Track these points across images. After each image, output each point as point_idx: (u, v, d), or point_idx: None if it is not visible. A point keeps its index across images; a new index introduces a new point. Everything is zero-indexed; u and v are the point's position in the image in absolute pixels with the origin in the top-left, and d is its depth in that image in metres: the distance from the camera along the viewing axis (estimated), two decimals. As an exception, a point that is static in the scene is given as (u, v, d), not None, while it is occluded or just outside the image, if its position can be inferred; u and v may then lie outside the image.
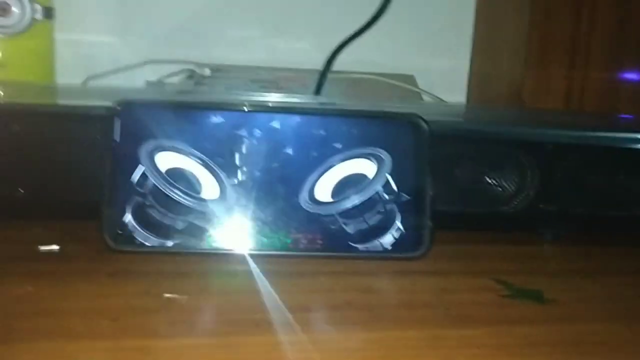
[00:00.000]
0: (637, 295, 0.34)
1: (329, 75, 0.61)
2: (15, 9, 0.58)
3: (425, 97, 0.65)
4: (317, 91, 0.57)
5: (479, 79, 0.75)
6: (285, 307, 0.30)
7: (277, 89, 0.58)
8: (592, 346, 0.27)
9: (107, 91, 0.56)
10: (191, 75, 0.63)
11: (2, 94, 0.50)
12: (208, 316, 0.29)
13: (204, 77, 0.62)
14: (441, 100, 0.65)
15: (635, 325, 0.30)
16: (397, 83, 0.62)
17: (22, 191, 0.37)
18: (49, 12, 0.61)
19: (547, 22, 0.68)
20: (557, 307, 0.31)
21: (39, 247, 0.35)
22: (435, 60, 0.74)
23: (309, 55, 0.69)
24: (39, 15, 0.60)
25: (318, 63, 0.67)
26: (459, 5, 0.73)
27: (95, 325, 0.27)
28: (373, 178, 0.36)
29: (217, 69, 0.65)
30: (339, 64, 0.67)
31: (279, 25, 0.72)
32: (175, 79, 0.64)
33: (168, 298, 0.30)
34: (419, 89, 0.64)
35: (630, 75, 0.71)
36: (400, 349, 0.26)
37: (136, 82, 0.64)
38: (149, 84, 0.63)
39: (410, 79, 0.67)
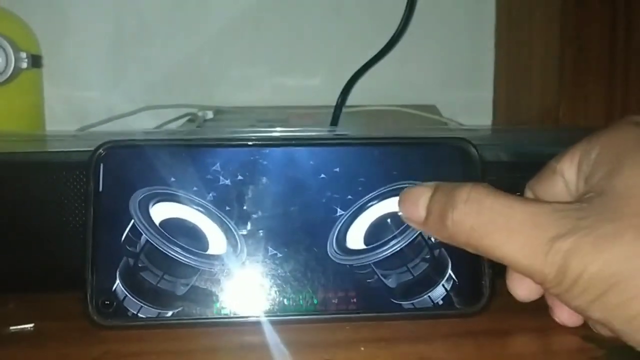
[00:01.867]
0: None
1: (345, 110, 0.55)
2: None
3: (452, 127, 0.59)
4: (334, 124, 0.51)
5: (506, 104, 0.69)
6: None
7: (288, 127, 0.52)
8: None
9: (99, 136, 0.50)
10: (192, 119, 0.58)
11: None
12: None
13: (206, 119, 0.56)
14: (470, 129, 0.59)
15: None
16: (420, 113, 0.55)
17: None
18: (36, 61, 0.56)
19: (580, 36, 0.62)
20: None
21: (9, 327, 0.28)
22: (456, 88, 0.68)
23: (321, 91, 0.64)
24: (24, 64, 0.54)
25: (331, 100, 0.61)
26: (479, 28, 0.68)
27: None
28: (414, 218, 0.30)
29: (220, 111, 0.59)
30: (354, 99, 0.61)
31: (285, 62, 0.66)
32: (174, 125, 0.59)
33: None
34: (444, 117, 0.58)
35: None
36: None
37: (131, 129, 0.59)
38: (147, 133, 0.58)
39: (432, 109, 0.61)
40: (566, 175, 0.27)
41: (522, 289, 0.27)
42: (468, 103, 0.67)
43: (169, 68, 0.64)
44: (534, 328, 0.28)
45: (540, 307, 0.29)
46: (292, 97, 0.65)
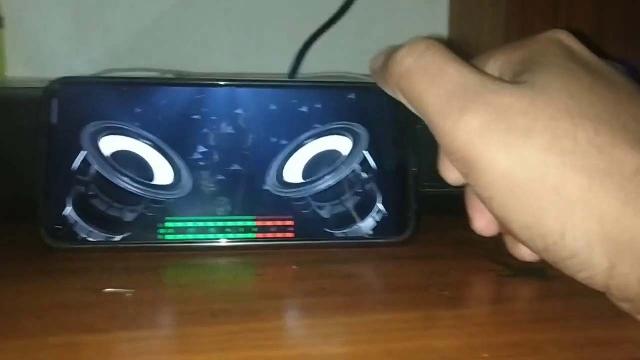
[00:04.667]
0: None
1: (303, 77, 0.57)
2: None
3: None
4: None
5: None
6: (247, 296, 0.25)
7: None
8: (600, 319, 0.23)
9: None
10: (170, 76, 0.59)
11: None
12: (156, 308, 0.24)
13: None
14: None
15: None
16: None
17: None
18: (-3, 20, 0.57)
19: (524, 13, 0.65)
20: (563, 283, 0.26)
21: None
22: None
23: (281, 58, 0.66)
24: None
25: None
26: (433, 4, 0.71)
27: (14, 324, 0.22)
28: (348, 155, 0.32)
29: (181, 75, 0.61)
30: (314, 67, 0.63)
31: (246, 31, 0.68)
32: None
33: (109, 293, 0.25)
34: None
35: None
36: (388, 332, 0.22)
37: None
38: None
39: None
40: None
41: (452, 173, 0.27)
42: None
43: (131, 33, 0.65)
44: (453, 255, 0.31)
45: (461, 242, 0.32)
46: (251, 63, 0.67)
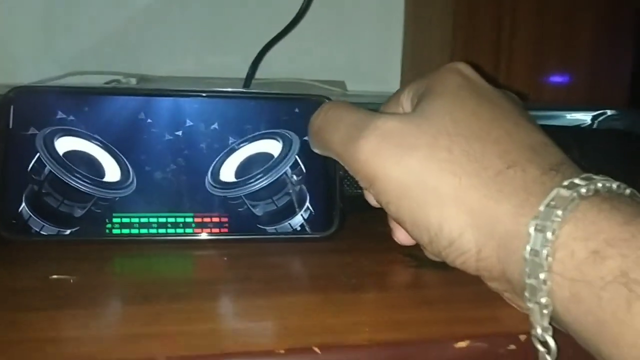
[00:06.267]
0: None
1: (255, 82, 0.60)
2: None
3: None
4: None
5: (410, 79, 0.76)
6: (178, 283, 0.29)
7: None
8: (484, 301, 0.27)
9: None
10: (116, 85, 0.62)
11: None
12: (95, 292, 0.27)
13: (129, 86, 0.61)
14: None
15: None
16: (324, 86, 0.62)
17: None
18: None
19: (470, 24, 0.69)
20: (458, 274, 0.30)
21: None
22: (365, 64, 0.75)
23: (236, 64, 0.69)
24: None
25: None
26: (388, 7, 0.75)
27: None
28: (280, 158, 0.36)
29: (144, 79, 0.64)
30: (266, 73, 0.67)
31: (206, 37, 0.72)
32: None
33: (54, 279, 0.28)
34: (349, 91, 0.64)
35: (551, 78, 0.73)
36: (291, 312, 0.25)
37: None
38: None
39: (340, 84, 0.68)
40: (404, 105, 0.32)
41: (370, 197, 0.31)
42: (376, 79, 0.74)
43: (96, 38, 0.68)
44: (370, 249, 0.35)
45: (379, 236, 0.35)
46: (210, 69, 0.71)
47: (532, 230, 0.23)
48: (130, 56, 0.69)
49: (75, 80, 0.64)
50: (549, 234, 0.23)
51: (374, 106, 0.33)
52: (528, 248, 0.23)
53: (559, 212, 0.23)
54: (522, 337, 0.24)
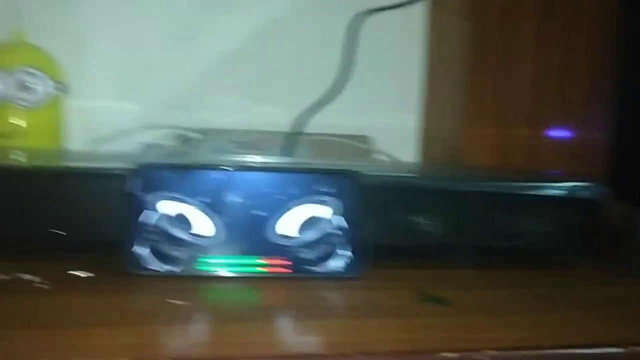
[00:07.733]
0: (513, 300, 0.47)
1: (300, 137, 0.74)
2: (38, 87, 0.71)
3: (381, 156, 0.80)
4: (287, 152, 0.70)
5: (428, 139, 0.89)
6: (242, 307, 0.42)
7: (253, 149, 0.71)
8: (472, 327, 0.40)
9: (111, 155, 0.69)
10: (181, 138, 0.76)
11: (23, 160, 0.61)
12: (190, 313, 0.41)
13: (192, 139, 0.75)
14: (390, 157, 0.79)
15: (501, 314, 0.43)
16: (351, 142, 0.75)
17: (64, 234, 0.49)
18: (62, 88, 0.73)
19: (481, 81, 0.80)
20: (455, 307, 0.43)
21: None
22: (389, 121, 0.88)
23: (283, 118, 0.83)
24: (54, 91, 0.72)
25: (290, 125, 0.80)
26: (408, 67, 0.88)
27: (99, 322, 0.38)
28: (328, 218, 0.49)
29: (203, 132, 0.78)
30: (313, 126, 0.81)
31: (256, 94, 0.86)
32: (167, 142, 0.77)
33: (169, 302, 0.42)
34: (372, 148, 0.78)
35: (551, 132, 0.84)
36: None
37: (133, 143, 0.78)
38: (146, 146, 0.76)
39: (365, 139, 0.81)
40: None
41: None
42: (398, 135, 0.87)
43: (163, 95, 0.83)
44: (389, 286, 0.48)
45: (401, 276, 0.48)
46: (259, 121, 0.84)
47: None
48: (189, 113, 0.83)
49: (147, 132, 0.78)
50: None
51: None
52: None
53: None
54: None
